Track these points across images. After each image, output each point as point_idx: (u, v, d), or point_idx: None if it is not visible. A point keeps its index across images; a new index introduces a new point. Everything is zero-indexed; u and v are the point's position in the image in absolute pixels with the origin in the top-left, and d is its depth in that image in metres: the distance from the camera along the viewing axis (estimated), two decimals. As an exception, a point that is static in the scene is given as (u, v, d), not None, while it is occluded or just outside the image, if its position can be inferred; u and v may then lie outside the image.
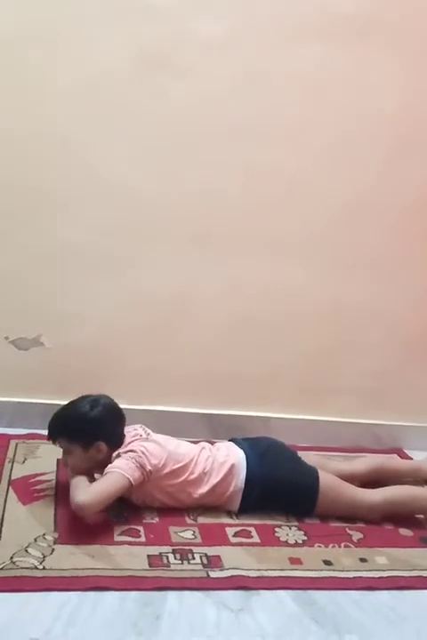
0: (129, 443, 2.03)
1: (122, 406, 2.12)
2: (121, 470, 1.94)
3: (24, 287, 2.43)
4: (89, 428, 2.03)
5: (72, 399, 2.10)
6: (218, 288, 2.53)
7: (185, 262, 2.49)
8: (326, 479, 2.13)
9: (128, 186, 2.41)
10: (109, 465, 1.98)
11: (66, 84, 2.31)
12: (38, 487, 2.11)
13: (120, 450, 2.01)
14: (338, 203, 2.53)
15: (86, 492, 1.87)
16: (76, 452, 2.03)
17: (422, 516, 2.19)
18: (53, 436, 2.06)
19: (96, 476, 2.02)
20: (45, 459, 2.27)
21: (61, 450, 2.07)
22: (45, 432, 2.40)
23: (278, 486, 2.08)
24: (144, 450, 2.00)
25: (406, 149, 2.53)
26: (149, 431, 2.11)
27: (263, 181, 2.47)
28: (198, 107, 2.39)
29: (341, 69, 2.43)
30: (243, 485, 2.07)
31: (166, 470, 2.02)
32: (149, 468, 1.98)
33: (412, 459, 2.64)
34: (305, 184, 2.50)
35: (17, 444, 2.37)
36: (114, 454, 2.01)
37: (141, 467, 1.96)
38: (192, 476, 2.05)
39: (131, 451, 1.99)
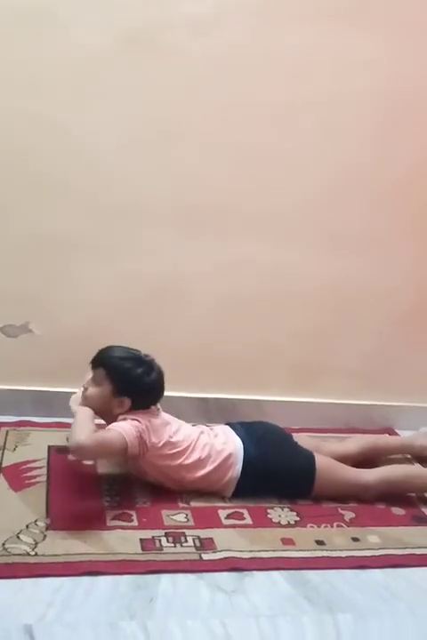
0: (140, 412, 2.03)
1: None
2: (123, 431, 1.94)
3: (11, 273, 2.40)
4: (133, 383, 2.04)
5: (133, 350, 2.10)
6: (210, 270, 2.52)
7: (176, 245, 2.47)
8: (322, 462, 2.13)
9: (116, 169, 2.39)
10: (114, 423, 1.98)
11: (53, 68, 2.28)
12: (30, 474, 2.10)
13: (127, 415, 2.01)
14: (328, 182, 2.52)
15: (89, 436, 1.87)
16: (105, 389, 2.03)
17: (414, 494, 2.20)
18: (99, 362, 2.06)
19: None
20: (36, 446, 2.26)
21: (91, 375, 2.07)
22: (36, 419, 2.42)
23: (275, 473, 2.08)
24: (149, 424, 2.00)
25: (395, 126, 2.51)
26: (159, 407, 2.12)
27: (254, 162, 2.45)
28: (187, 89, 2.36)
29: (328, 49, 2.40)
30: (239, 475, 2.07)
31: (164, 451, 2.02)
32: (148, 444, 1.98)
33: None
34: (295, 163, 2.48)
35: (7, 431, 2.35)
36: (120, 417, 2.01)
37: (142, 440, 1.96)
38: (188, 461, 2.04)
39: (137, 420, 1.99)
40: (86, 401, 2.03)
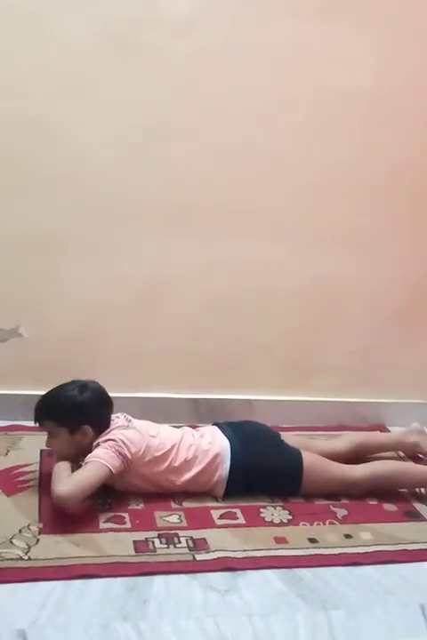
0: (109, 431, 2.02)
1: (104, 394, 2.12)
2: (101, 459, 1.93)
3: (0, 277, 2.40)
4: (77, 411, 2.02)
5: (60, 385, 2.08)
6: (199, 269, 2.52)
7: (163, 244, 2.47)
8: (310, 459, 2.14)
9: (103, 169, 2.39)
10: (89, 454, 1.97)
11: (39, 67, 2.28)
12: (22, 478, 2.10)
13: (100, 439, 2.00)
14: (315, 179, 2.52)
15: (67, 483, 1.86)
16: (62, 435, 2.02)
17: (405, 489, 2.21)
18: (40, 419, 2.05)
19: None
20: (28, 450, 2.26)
21: (46, 434, 2.06)
22: (27, 423, 2.40)
23: (263, 472, 2.09)
24: (123, 438, 1.99)
25: (381, 124, 2.52)
26: (130, 418, 2.10)
27: (239, 160, 2.46)
28: (173, 88, 2.37)
29: (313, 47, 2.41)
30: (227, 474, 2.07)
31: (147, 458, 2.02)
32: (129, 456, 1.98)
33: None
34: (281, 161, 2.49)
35: (-1, 436, 2.35)
36: (94, 443, 2.00)
37: (121, 455, 1.96)
38: (174, 464, 2.04)
39: (110, 439, 1.98)
40: (57, 456, 2.02)
